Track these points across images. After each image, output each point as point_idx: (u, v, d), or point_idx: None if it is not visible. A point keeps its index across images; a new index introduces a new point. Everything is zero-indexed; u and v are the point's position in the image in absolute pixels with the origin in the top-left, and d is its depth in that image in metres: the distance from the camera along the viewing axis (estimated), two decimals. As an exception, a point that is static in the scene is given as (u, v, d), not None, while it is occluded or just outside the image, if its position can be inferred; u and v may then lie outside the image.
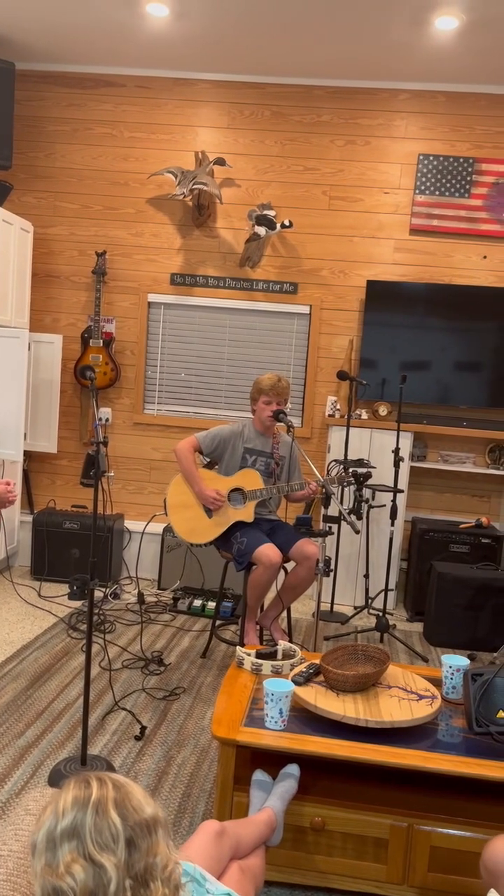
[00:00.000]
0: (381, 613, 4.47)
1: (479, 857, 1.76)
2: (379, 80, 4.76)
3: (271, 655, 2.53)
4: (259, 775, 2.02)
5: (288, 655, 2.55)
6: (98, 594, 4.56)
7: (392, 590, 4.64)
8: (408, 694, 2.25)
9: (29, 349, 4.81)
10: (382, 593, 4.60)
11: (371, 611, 4.65)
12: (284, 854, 2.04)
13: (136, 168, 4.99)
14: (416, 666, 3.19)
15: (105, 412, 5.13)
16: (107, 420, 5.14)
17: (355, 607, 4.71)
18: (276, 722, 2.07)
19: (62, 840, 1.03)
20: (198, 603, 4.42)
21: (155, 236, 5.02)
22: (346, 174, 4.87)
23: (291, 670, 2.42)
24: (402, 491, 4.28)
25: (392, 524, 4.18)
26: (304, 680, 2.27)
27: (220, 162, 4.79)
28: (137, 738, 2.89)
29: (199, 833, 1.60)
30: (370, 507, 4.49)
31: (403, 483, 4.64)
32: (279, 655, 2.55)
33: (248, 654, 2.49)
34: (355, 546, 4.69)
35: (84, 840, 1.02)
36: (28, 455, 5.14)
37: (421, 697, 2.22)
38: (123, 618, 4.25)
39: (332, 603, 4.59)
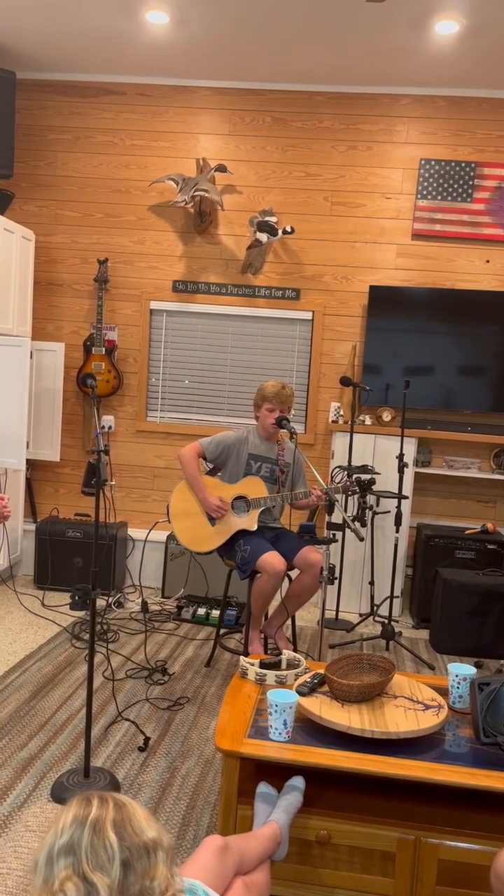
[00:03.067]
0: (386, 621, 4.43)
1: (489, 869, 1.73)
2: (380, 86, 4.75)
3: (275, 665, 2.50)
4: (263, 788, 1.99)
5: (292, 665, 2.52)
6: (101, 603, 4.54)
7: (397, 597, 4.61)
8: (414, 704, 2.21)
9: (31, 357, 4.80)
10: (388, 600, 4.56)
11: (376, 618, 4.62)
12: (290, 868, 2.00)
13: (137, 176, 4.99)
14: (422, 675, 3.16)
15: (108, 420, 5.12)
16: (110, 428, 5.12)
17: (360, 615, 4.68)
18: (280, 733, 2.04)
19: (58, 857, 1.03)
20: (202, 611, 4.39)
21: (156, 244, 5.01)
22: (348, 180, 4.86)
23: (296, 680, 2.39)
24: (406, 497, 4.25)
25: (397, 531, 4.15)
26: (308, 690, 2.24)
27: (222, 169, 4.78)
28: (141, 750, 2.86)
29: (202, 849, 1.57)
30: (375, 513, 4.46)
31: (408, 489, 4.61)
32: (283, 665, 2.52)
33: (252, 664, 2.46)
34: (360, 553, 4.66)
35: (79, 858, 1.02)
36: (31, 463, 5.13)
37: (427, 707, 2.19)
38: (127, 627, 4.23)
39: (338, 610, 4.56)
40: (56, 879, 1.01)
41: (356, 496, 3.55)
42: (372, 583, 4.54)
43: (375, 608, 4.61)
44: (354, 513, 3.91)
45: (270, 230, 4.72)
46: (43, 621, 4.23)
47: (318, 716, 2.10)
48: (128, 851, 1.03)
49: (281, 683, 2.41)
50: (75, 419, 5.16)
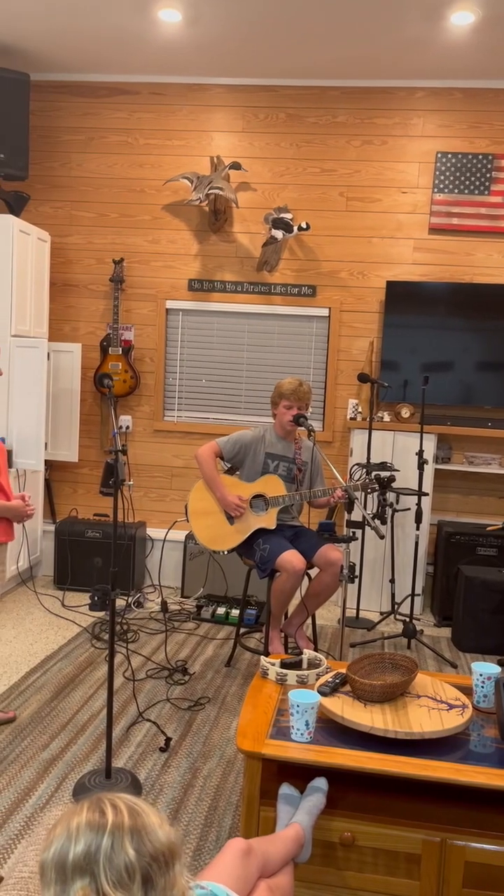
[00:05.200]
0: (407, 619, 4.39)
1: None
2: (394, 79, 4.71)
3: (296, 665, 2.48)
4: (286, 789, 1.97)
5: (313, 665, 2.50)
6: (121, 603, 4.54)
7: (419, 595, 4.57)
8: (437, 703, 2.18)
9: (48, 359, 4.81)
10: (409, 598, 4.52)
11: (398, 616, 4.58)
12: (314, 870, 1.98)
13: (151, 175, 4.98)
14: (445, 673, 3.12)
15: (125, 420, 5.12)
16: (127, 428, 5.12)
17: (381, 613, 4.64)
18: (302, 734, 2.02)
19: (74, 874, 0.97)
20: (221, 611, 4.38)
21: (172, 242, 5.00)
22: (363, 175, 4.82)
23: (317, 680, 2.37)
24: (426, 494, 4.21)
25: (417, 528, 4.11)
26: (330, 690, 2.21)
27: (236, 166, 4.76)
28: (162, 750, 2.85)
29: (226, 852, 1.55)
30: (395, 510, 4.42)
31: (428, 486, 4.57)
32: (304, 665, 2.49)
33: (273, 664, 2.44)
34: (380, 551, 4.62)
35: (98, 877, 0.96)
36: (49, 464, 5.14)
37: (451, 707, 2.16)
38: (147, 627, 4.22)
39: (358, 609, 4.52)
40: None
41: (376, 494, 3.51)
42: (393, 581, 4.51)
43: (396, 606, 4.57)
44: (374, 510, 3.88)
45: (286, 227, 4.69)
46: (63, 622, 4.24)
47: (340, 716, 2.07)
48: (147, 865, 0.99)
49: (302, 683, 2.39)
50: (93, 420, 5.16)
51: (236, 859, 1.53)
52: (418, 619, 4.59)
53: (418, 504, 4.07)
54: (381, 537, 2.87)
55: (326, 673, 2.42)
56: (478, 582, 4.05)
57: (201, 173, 4.83)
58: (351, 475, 4.18)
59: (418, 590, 4.55)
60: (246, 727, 2.10)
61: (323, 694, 2.19)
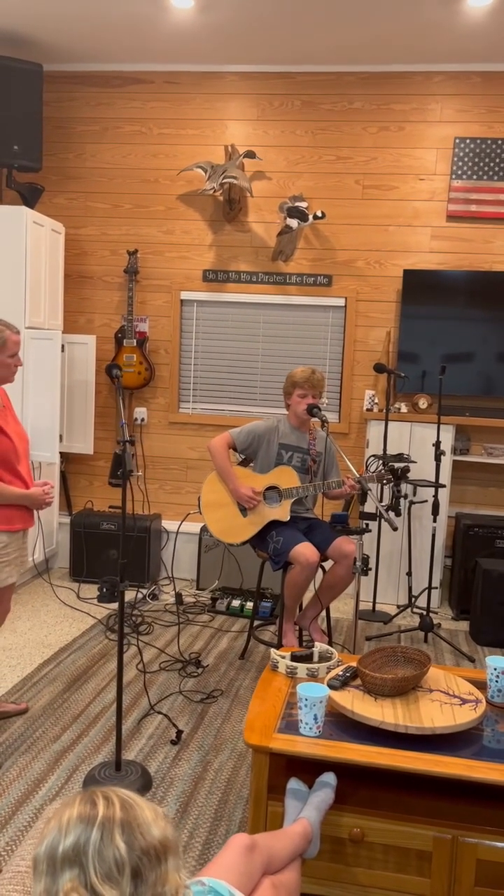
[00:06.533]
0: (424, 612, 4.34)
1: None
2: (411, 64, 4.62)
3: (307, 658, 2.44)
4: (294, 784, 1.94)
5: (324, 658, 2.46)
6: (137, 595, 4.53)
7: (436, 588, 4.51)
8: (450, 698, 2.14)
9: (63, 351, 4.80)
10: (426, 591, 4.46)
11: (414, 610, 4.52)
12: (324, 866, 1.95)
13: (166, 165, 4.94)
14: (461, 668, 3.07)
15: (140, 412, 5.10)
16: (143, 420, 5.10)
17: (398, 606, 4.59)
18: (310, 728, 1.98)
19: (63, 865, 0.96)
20: (236, 603, 4.35)
21: (186, 233, 4.96)
22: (380, 162, 4.74)
23: (328, 673, 2.33)
24: (443, 486, 4.15)
25: (434, 520, 4.05)
26: (340, 684, 2.17)
27: (251, 155, 4.71)
28: (174, 743, 2.83)
29: (229, 848, 1.52)
30: (411, 503, 4.36)
31: (445, 478, 4.50)
32: (315, 658, 2.46)
33: (283, 657, 2.41)
34: (397, 543, 4.57)
35: (87, 869, 0.95)
36: (65, 456, 5.14)
37: (464, 702, 2.11)
38: (161, 619, 4.21)
39: (375, 602, 4.48)
40: (60, 891, 0.95)
41: (390, 485, 3.46)
42: (409, 573, 4.45)
43: (413, 599, 4.51)
44: (389, 502, 3.82)
45: (301, 216, 4.63)
46: (78, 614, 4.23)
47: (350, 710, 2.03)
48: (137, 860, 0.97)
49: (312, 677, 2.36)
50: (108, 412, 5.15)
51: (239, 855, 1.50)
52: (436, 613, 4.53)
53: (435, 496, 4.01)
54: (395, 529, 2.82)
55: (337, 666, 2.38)
56: (496, 575, 3.98)
57: (215, 162, 4.78)
58: (367, 466, 4.13)
59: (436, 583, 4.49)
60: (254, 721, 2.07)
61: (333, 687, 2.15)
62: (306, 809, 1.86)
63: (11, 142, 4.47)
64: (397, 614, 4.40)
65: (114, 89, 4.95)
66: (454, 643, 4.02)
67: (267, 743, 1.96)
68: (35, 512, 2.92)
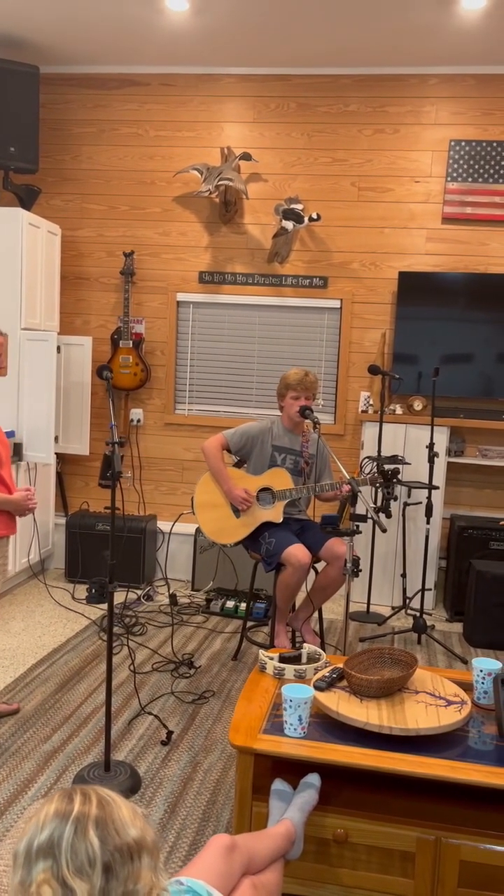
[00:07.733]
0: (418, 614, 4.34)
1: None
2: (406, 66, 4.63)
3: (295, 659, 2.45)
4: (279, 785, 1.95)
5: (312, 659, 2.47)
6: (132, 596, 4.54)
7: (430, 589, 4.51)
8: (435, 699, 2.14)
9: (59, 352, 4.81)
10: (420, 593, 4.47)
11: (409, 611, 4.53)
12: (307, 867, 1.96)
13: (162, 167, 4.95)
14: (450, 669, 3.07)
15: (136, 413, 5.11)
16: (138, 421, 5.11)
17: (392, 608, 4.59)
18: (295, 729, 1.99)
19: (37, 857, 0.99)
20: (230, 604, 4.36)
21: (182, 235, 4.98)
22: (375, 164, 4.75)
23: (315, 675, 2.34)
24: (437, 487, 4.15)
25: (428, 522, 4.06)
26: (326, 685, 2.18)
27: (246, 157, 4.72)
28: (164, 744, 2.84)
29: (208, 848, 1.53)
30: (406, 504, 4.37)
31: (440, 479, 4.51)
32: (303, 659, 2.46)
33: (271, 658, 2.42)
34: (391, 545, 4.57)
35: (59, 860, 0.98)
36: (61, 457, 5.15)
37: (449, 703, 2.12)
38: (156, 620, 4.22)
39: (369, 603, 4.48)
40: (33, 882, 0.97)
41: (381, 487, 3.46)
42: (404, 575, 4.46)
43: (408, 601, 4.52)
44: (379, 504, 3.83)
45: (296, 218, 4.65)
46: (72, 614, 4.24)
47: (335, 711, 2.04)
48: (109, 855, 0.99)
49: (300, 678, 2.36)
50: (104, 413, 5.16)
51: (219, 856, 1.51)
52: (430, 614, 4.53)
53: (428, 497, 4.01)
54: (384, 531, 2.83)
55: (325, 667, 2.39)
56: (490, 577, 3.99)
57: (211, 164, 4.79)
58: (361, 468, 4.14)
59: (430, 584, 4.50)
60: (239, 721, 2.08)
61: (319, 689, 2.16)
62: (290, 810, 1.87)
63: (8, 144, 4.49)
64: (391, 616, 4.40)
65: (110, 91, 4.96)
66: (447, 645, 4.03)
67: (252, 744, 1.96)
68: (17, 519, 2.91)
